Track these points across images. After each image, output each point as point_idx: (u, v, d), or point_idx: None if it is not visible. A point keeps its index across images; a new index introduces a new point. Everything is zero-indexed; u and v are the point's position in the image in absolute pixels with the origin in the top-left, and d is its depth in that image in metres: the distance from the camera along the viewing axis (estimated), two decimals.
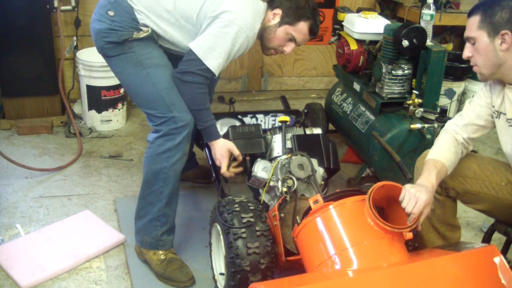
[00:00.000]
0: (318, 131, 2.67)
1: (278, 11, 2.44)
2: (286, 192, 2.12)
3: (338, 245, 1.74)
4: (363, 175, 3.02)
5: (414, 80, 2.85)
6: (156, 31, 2.36)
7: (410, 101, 2.73)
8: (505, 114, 1.99)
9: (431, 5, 2.89)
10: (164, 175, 2.30)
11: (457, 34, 4.28)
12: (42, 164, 3.21)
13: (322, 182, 2.37)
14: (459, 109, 3.90)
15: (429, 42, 2.78)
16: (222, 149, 2.40)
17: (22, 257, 2.42)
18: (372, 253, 1.71)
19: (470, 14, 1.94)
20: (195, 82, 2.28)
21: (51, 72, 3.56)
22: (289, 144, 2.51)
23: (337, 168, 2.53)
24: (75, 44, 3.74)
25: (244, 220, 2.04)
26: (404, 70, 2.81)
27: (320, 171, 2.37)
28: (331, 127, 3.41)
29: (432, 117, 2.70)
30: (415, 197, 1.78)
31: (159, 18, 2.34)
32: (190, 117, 2.29)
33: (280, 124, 2.59)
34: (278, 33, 2.45)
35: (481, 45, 1.89)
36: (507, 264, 1.74)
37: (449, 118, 2.37)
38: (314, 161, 2.33)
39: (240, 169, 2.47)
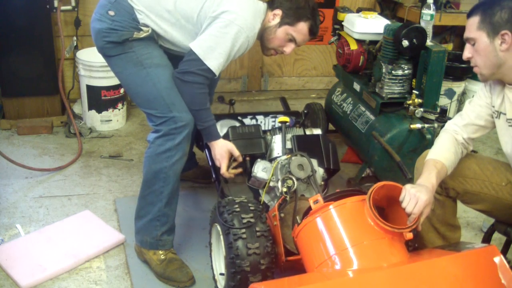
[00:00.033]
0: (318, 131, 2.67)
1: (278, 12, 2.44)
2: (286, 192, 2.12)
3: (338, 245, 1.74)
4: (363, 175, 3.02)
5: (414, 80, 2.85)
6: (157, 31, 2.36)
7: (410, 101, 2.73)
8: (505, 114, 1.98)
9: (431, 5, 2.89)
10: (164, 175, 2.30)
11: (457, 34, 4.28)
12: (42, 164, 3.21)
13: (322, 183, 2.37)
14: (459, 109, 3.90)
15: (429, 42, 2.78)
16: (222, 150, 2.40)
17: (22, 257, 2.42)
18: (372, 253, 1.71)
19: (470, 14, 1.94)
20: (196, 82, 2.28)
21: (51, 72, 3.56)
22: (289, 145, 2.51)
23: (337, 168, 2.53)
24: (75, 44, 3.74)
25: (244, 221, 2.04)
26: (404, 70, 2.81)
27: (320, 171, 2.37)
28: (331, 127, 3.41)
29: (432, 117, 2.70)
30: (416, 197, 1.78)
31: (159, 18, 2.34)
32: (190, 117, 2.29)
33: (280, 124, 2.59)
34: (278, 33, 2.45)
35: (481, 46, 1.89)
36: (507, 264, 1.74)
37: (449, 118, 2.37)
38: (314, 162, 2.33)
39: (240, 170, 2.47)
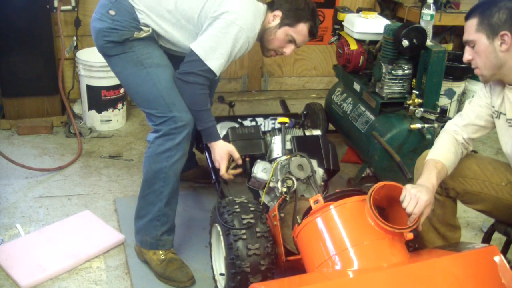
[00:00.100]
0: (317, 132, 2.67)
1: (278, 13, 2.44)
2: (285, 192, 2.12)
3: (339, 245, 1.74)
4: (363, 175, 3.02)
5: (414, 80, 2.85)
6: (157, 31, 2.36)
7: (410, 101, 2.73)
8: (505, 114, 1.98)
9: (431, 5, 2.89)
10: (164, 175, 2.30)
11: (457, 34, 4.28)
12: (42, 164, 3.21)
13: (322, 183, 2.37)
14: (459, 109, 3.90)
15: (429, 42, 2.78)
16: (222, 151, 2.40)
17: (22, 257, 2.42)
18: (373, 253, 1.71)
19: (468, 17, 1.93)
20: (197, 83, 2.28)
21: (51, 72, 3.56)
22: (288, 146, 2.51)
23: (336, 169, 2.53)
24: (75, 44, 3.74)
25: (245, 221, 2.04)
26: (404, 70, 2.81)
27: (320, 172, 2.37)
28: (331, 127, 3.41)
29: (432, 117, 2.70)
30: (416, 197, 1.78)
31: (160, 18, 2.34)
32: (190, 117, 2.29)
33: (279, 125, 2.59)
34: (278, 34, 2.46)
35: (481, 48, 1.89)
36: (507, 264, 1.74)
37: (449, 118, 2.37)
38: (314, 162, 2.33)
39: (240, 170, 2.47)
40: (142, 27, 2.32)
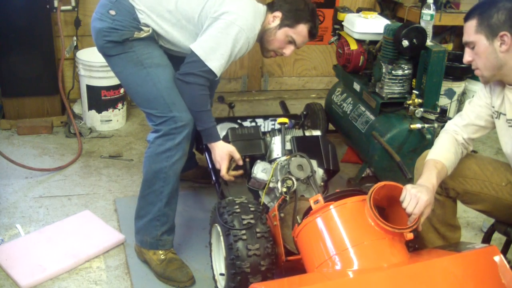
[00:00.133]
0: (317, 133, 2.67)
1: (278, 14, 2.45)
2: (285, 192, 2.12)
3: (339, 245, 1.74)
4: (363, 175, 3.02)
5: (414, 80, 2.85)
6: (157, 31, 2.36)
7: (410, 101, 2.73)
8: (505, 114, 1.98)
9: (431, 5, 2.89)
10: (164, 175, 2.30)
11: (457, 34, 4.27)
12: (42, 164, 3.21)
13: (322, 184, 2.37)
14: (459, 109, 3.90)
15: (429, 42, 2.78)
16: (222, 152, 2.40)
17: (22, 257, 2.42)
18: (373, 253, 1.71)
19: (467, 18, 1.93)
20: (197, 84, 2.28)
21: (51, 72, 3.56)
22: (288, 146, 2.51)
23: (336, 169, 2.53)
24: (75, 44, 3.74)
25: (245, 222, 2.04)
26: (404, 70, 2.81)
27: (320, 172, 2.37)
28: (331, 127, 3.41)
29: (432, 117, 2.70)
30: (416, 197, 1.78)
31: (160, 18, 2.34)
32: (190, 117, 2.29)
33: (279, 126, 2.59)
34: (278, 35, 2.46)
35: (480, 49, 1.89)
36: (507, 264, 1.74)
37: (449, 118, 2.37)
38: (314, 162, 2.33)
39: (240, 172, 2.47)
40: (142, 27, 2.32)
